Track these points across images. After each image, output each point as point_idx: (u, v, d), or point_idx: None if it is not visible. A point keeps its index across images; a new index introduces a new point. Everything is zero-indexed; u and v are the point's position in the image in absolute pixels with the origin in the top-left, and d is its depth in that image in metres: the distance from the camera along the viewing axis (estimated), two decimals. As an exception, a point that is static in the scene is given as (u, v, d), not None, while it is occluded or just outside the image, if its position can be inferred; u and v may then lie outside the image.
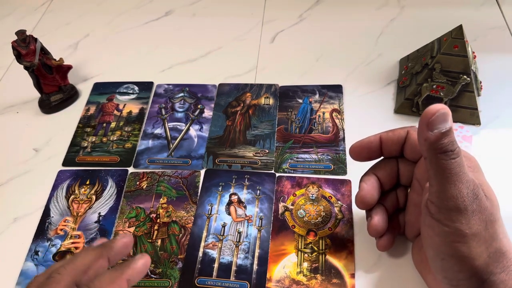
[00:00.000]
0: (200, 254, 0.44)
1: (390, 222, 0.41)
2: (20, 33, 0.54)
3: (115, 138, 0.55)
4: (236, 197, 0.48)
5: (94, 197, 0.49)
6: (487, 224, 0.31)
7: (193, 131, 0.55)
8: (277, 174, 0.50)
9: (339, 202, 0.46)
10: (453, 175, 0.31)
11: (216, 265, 0.43)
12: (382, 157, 0.40)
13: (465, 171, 0.31)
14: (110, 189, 0.50)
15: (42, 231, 0.46)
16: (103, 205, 0.48)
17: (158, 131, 0.55)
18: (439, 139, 0.31)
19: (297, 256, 0.43)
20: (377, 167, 0.40)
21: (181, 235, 0.45)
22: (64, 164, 0.53)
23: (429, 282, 0.38)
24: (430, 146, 0.31)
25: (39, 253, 0.45)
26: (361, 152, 0.39)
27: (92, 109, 0.58)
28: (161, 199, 0.48)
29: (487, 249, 0.31)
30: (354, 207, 0.46)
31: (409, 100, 0.53)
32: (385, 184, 0.40)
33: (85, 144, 0.54)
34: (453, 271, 0.32)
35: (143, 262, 0.33)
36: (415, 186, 0.39)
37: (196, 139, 0.54)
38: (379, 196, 0.40)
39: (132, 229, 0.46)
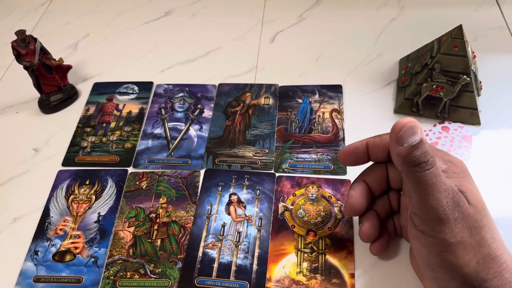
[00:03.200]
0: (200, 254, 0.44)
1: (384, 226, 0.41)
2: (20, 33, 0.54)
3: (114, 138, 0.55)
4: (235, 197, 0.48)
5: (93, 197, 0.49)
6: (472, 230, 0.31)
7: (193, 131, 0.55)
8: (277, 174, 0.50)
9: (339, 202, 0.46)
10: (429, 186, 0.31)
11: (215, 265, 0.43)
12: (371, 162, 0.40)
13: (442, 180, 0.31)
14: (110, 189, 0.50)
15: (41, 231, 0.46)
16: (102, 205, 0.48)
17: (158, 131, 0.55)
18: (410, 153, 0.31)
19: (297, 256, 0.43)
20: (366, 173, 0.40)
21: (180, 235, 0.45)
22: (63, 164, 0.52)
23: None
24: (402, 160, 0.32)
25: (38, 253, 0.45)
26: (348, 158, 0.39)
27: (92, 109, 0.58)
28: (161, 199, 0.48)
29: (475, 256, 0.31)
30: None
31: (409, 100, 0.53)
32: (375, 190, 0.40)
33: (85, 144, 0.54)
34: (444, 280, 0.32)
35: None
36: (406, 191, 0.38)
37: (195, 139, 0.54)
38: (368, 202, 0.40)
39: (131, 229, 0.46)
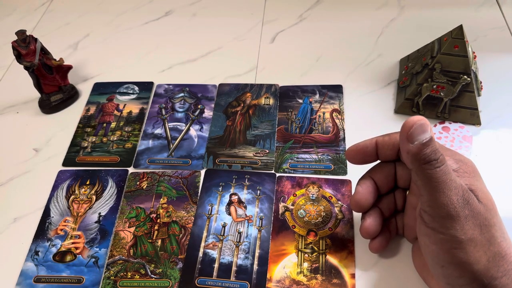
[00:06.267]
0: (200, 254, 0.44)
1: (385, 224, 0.41)
2: (20, 33, 0.54)
3: (115, 138, 0.55)
4: (236, 197, 0.48)
5: (94, 197, 0.49)
6: (482, 228, 0.32)
7: (193, 131, 0.55)
8: (277, 174, 0.50)
9: (340, 202, 0.46)
10: (440, 184, 0.31)
11: (216, 265, 0.43)
12: (377, 162, 0.40)
13: (452, 177, 0.32)
14: (110, 189, 0.50)
15: (42, 231, 0.46)
16: (103, 205, 0.48)
17: (158, 131, 0.55)
18: (420, 150, 0.31)
19: (298, 256, 0.43)
20: (374, 170, 0.40)
21: (181, 235, 0.45)
22: (64, 164, 0.52)
23: (432, 287, 0.37)
24: (413, 158, 0.32)
25: (39, 253, 0.45)
26: (356, 156, 0.39)
27: (92, 109, 0.58)
28: (161, 199, 0.48)
29: (485, 253, 0.31)
30: (355, 207, 0.46)
31: (409, 100, 0.53)
32: (382, 187, 0.40)
33: (85, 144, 0.54)
34: (453, 277, 0.32)
35: None
36: (414, 189, 0.39)
37: (196, 139, 0.54)
38: (374, 199, 0.40)
39: (132, 229, 0.46)
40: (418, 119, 0.32)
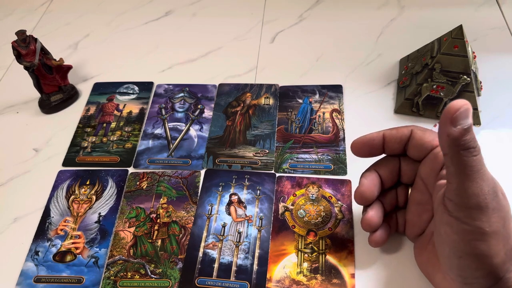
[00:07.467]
0: (200, 254, 0.44)
1: (386, 219, 0.41)
2: (20, 33, 0.54)
3: (115, 138, 0.55)
4: (236, 197, 0.48)
5: (94, 197, 0.49)
6: (505, 222, 0.31)
7: (193, 131, 0.55)
8: (277, 174, 0.50)
9: (339, 202, 0.46)
10: (474, 173, 0.30)
11: (216, 265, 0.43)
12: (383, 155, 0.40)
13: (486, 168, 0.31)
14: (110, 189, 0.50)
15: (42, 231, 0.46)
16: (103, 205, 0.48)
17: (158, 131, 0.55)
18: (462, 135, 0.30)
19: (297, 256, 0.43)
20: (379, 164, 0.40)
21: (181, 235, 0.45)
22: (64, 164, 0.53)
23: (437, 282, 0.37)
24: (452, 142, 0.31)
25: (39, 253, 0.45)
26: (362, 148, 0.39)
27: (92, 109, 0.58)
28: (161, 199, 0.48)
29: (504, 246, 0.31)
30: (355, 207, 0.46)
31: (409, 100, 0.53)
32: (386, 182, 0.40)
33: (85, 144, 0.54)
34: (470, 269, 0.32)
35: None
36: (418, 185, 0.38)
37: (196, 139, 0.54)
38: (379, 192, 0.40)
39: (132, 229, 0.46)
40: (464, 103, 0.30)
